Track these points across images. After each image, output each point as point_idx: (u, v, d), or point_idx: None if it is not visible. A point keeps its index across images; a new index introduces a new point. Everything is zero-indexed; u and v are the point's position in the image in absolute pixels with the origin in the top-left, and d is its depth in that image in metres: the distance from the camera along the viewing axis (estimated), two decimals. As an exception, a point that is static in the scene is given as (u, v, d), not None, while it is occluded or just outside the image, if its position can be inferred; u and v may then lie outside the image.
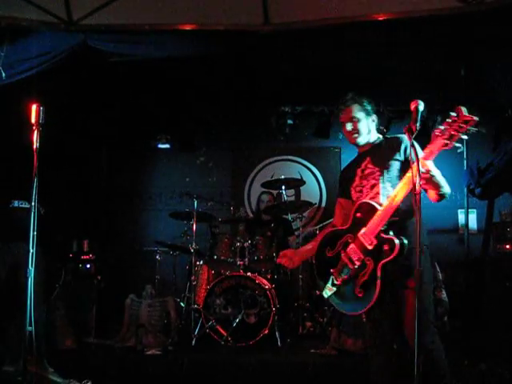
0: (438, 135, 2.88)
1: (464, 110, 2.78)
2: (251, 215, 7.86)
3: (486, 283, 5.89)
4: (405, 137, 3.25)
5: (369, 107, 3.52)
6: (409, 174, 2.99)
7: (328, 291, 3.38)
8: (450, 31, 5.31)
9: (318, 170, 8.16)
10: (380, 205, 3.20)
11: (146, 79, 6.59)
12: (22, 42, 5.39)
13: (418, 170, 2.81)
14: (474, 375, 4.63)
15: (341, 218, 3.64)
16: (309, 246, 3.70)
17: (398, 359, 3.45)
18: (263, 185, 6.90)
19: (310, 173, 8.17)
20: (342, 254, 3.32)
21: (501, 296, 5.46)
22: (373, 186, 3.38)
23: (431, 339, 3.20)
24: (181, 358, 4.96)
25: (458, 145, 2.87)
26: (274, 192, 7.30)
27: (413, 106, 2.98)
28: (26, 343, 3.11)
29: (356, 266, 3.22)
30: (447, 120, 2.83)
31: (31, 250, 3.07)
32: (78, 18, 5.35)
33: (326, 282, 3.40)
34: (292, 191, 8.00)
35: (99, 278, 6.30)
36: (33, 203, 3.09)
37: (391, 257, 3.07)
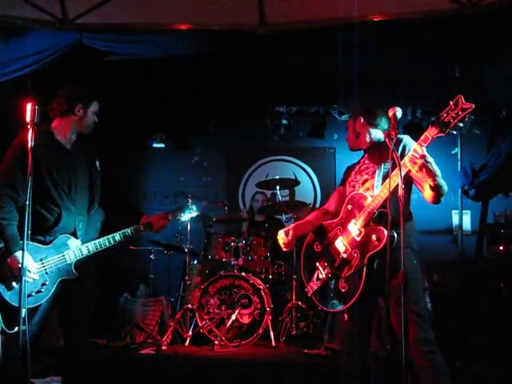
0: (435, 122, 2.85)
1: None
2: (246, 215, 7.86)
3: (480, 284, 5.91)
4: (405, 136, 3.28)
5: None
6: (396, 172, 2.90)
7: (312, 287, 3.36)
8: (445, 33, 5.32)
9: (313, 171, 8.18)
10: (371, 196, 3.18)
11: (141, 78, 6.58)
12: (16, 41, 5.37)
13: (401, 174, 2.80)
14: (467, 376, 4.65)
15: (334, 204, 3.61)
16: (301, 222, 3.64)
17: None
18: (258, 185, 6.92)
19: (304, 173, 8.18)
20: (330, 247, 3.30)
21: (494, 297, 5.48)
22: (365, 181, 3.37)
23: (426, 336, 3.03)
24: (174, 358, 4.96)
25: (454, 132, 2.84)
26: (268, 192, 7.31)
27: (391, 113, 3.01)
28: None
29: (342, 258, 3.19)
30: (446, 108, 2.82)
31: (24, 249, 3.07)
32: (73, 16, 5.33)
33: (311, 278, 3.38)
34: (286, 191, 8.02)
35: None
36: (27, 202, 3.08)
37: (378, 248, 3.01)
